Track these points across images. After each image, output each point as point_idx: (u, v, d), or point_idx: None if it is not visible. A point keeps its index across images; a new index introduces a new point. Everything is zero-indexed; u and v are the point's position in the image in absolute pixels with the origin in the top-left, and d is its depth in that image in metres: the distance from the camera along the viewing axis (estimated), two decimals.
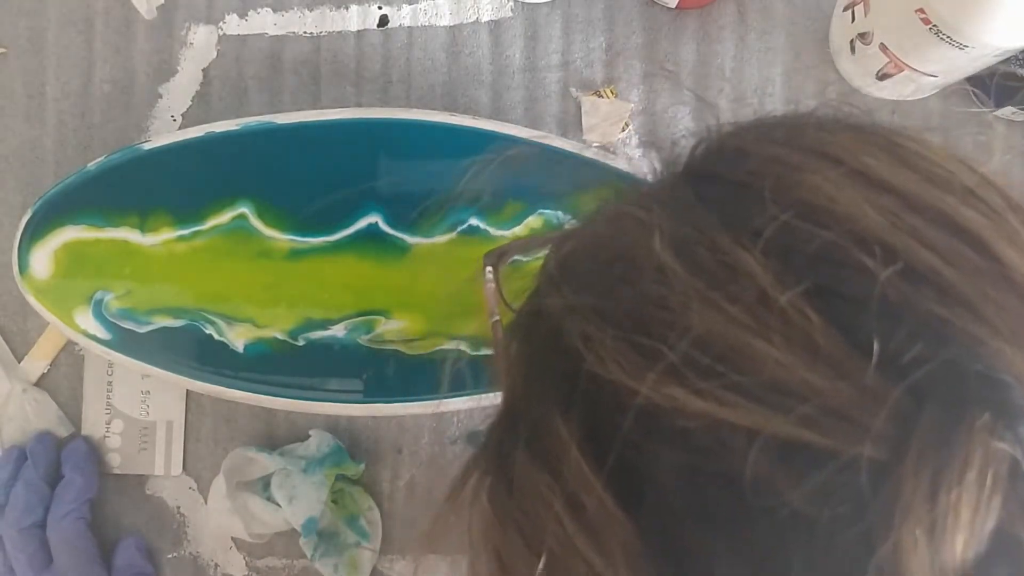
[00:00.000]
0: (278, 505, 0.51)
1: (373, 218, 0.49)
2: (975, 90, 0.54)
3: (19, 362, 0.55)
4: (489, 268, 0.36)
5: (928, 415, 0.20)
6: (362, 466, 0.53)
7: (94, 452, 0.53)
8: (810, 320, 0.22)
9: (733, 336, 0.22)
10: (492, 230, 0.49)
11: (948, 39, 0.43)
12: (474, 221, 0.49)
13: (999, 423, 0.20)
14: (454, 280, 0.49)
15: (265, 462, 0.52)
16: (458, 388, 0.49)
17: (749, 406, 0.21)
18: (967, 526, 0.19)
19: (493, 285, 0.36)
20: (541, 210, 0.49)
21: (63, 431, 0.54)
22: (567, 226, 0.31)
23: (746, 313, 0.22)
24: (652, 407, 0.23)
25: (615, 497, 0.23)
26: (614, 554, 0.23)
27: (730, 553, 0.21)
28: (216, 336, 0.49)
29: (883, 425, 0.20)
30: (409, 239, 0.49)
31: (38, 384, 0.55)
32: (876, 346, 0.21)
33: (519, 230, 0.49)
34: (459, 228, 0.49)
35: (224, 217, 0.49)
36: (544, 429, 0.25)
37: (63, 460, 0.52)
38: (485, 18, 0.55)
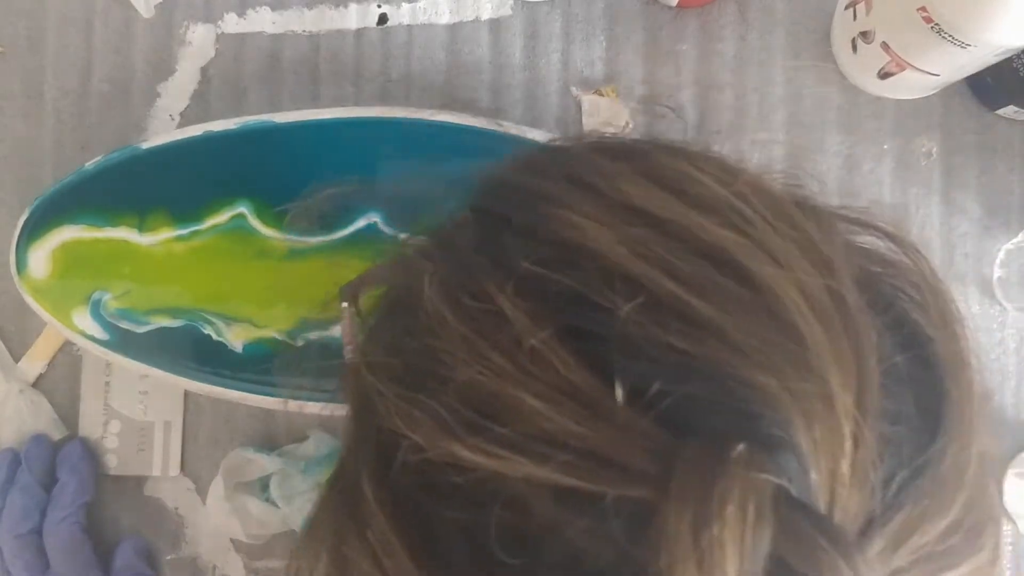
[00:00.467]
0: (277, 506, 0.51)
1: (372, 218, 0.49)
2: (975, 89, 0.54)
3: (16, 363, 0.54)
4: (345, 304, 0.35)
5: (686, 451, 0.20)
6: None
7: (90, 454, 0.53)
8: (564, 362, 0.21)
9: (493, 386, 0.22)
10: None
11: (950, 38, 0.43)
12: None
13: (757, 454, 0.20)
14: None
15: (264, 463, 0.51)
16: None
17: (514, 458, 0.21)
18: (735, 558, 0.19)
19: (347, 321, 0.34)
20: None
21: (58, 434, 0.54)
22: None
23: (505, 360, 0.22)
24: (430, 462, 0.22)
25: (411, 556, 0.23)
26: None
27: None
28: (215, 336, 0.49)
29: (641, 464, 0.20)
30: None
31: (36, 385, 0.54)
32: (618, 384, 0.21)
33: None
34: None
35: (223, 217, 0.49)
36: (354, 488, 0.25)
37: (58, 463, 0.52)
38: (485, 16, 0.55)
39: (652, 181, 0.24)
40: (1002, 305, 0.54)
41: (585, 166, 0.26)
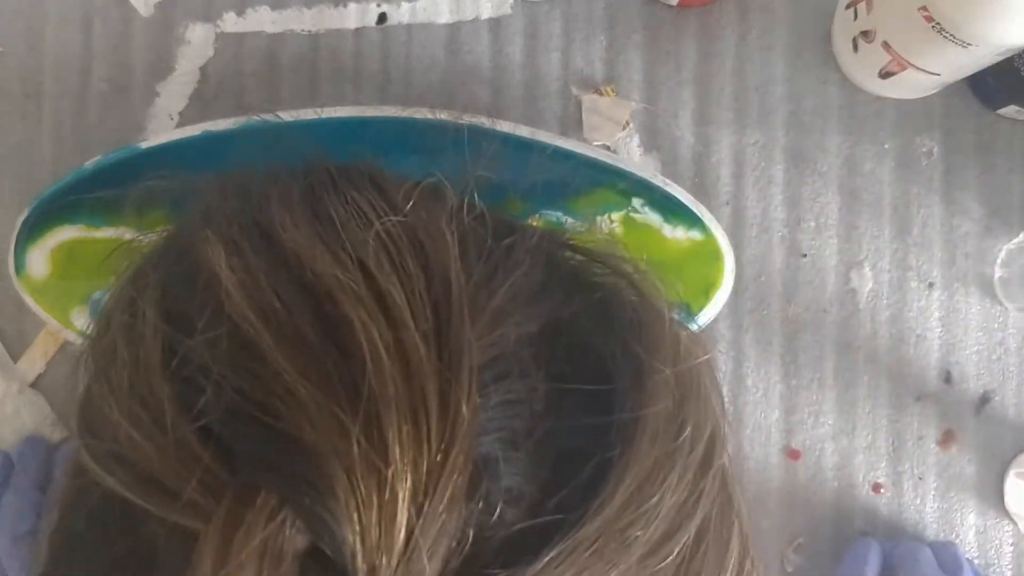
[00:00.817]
0: None
1: None
2: (977, 89, 0.54)
3: (15, 362, 0.54)
4: None
5: (232, 491, 0.20)
6: None
7: None
8: (154, 382, 0.22)
9: (101, 399, 0.23)
10: None
11: (951, 37, 0.43)
12: None
13: (290, 508, 0.19)
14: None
15: None
16: None
17: (98, 470, 0.22)
18: None
19: None
20: (544, 211, 0.48)
21: (57, 434, 0.54)
22: None
23: (118, 374, 0.23)
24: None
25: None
26: None
27: None
28: None
29: (193, 494, 0.20)
30: None
31: (34, 385, 0.54)
32: (169, 408, 0.21)
33: None
34: None
35: None
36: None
37: (56, 463, 0.52)
38: (485, 16, 0.55)
39: (302, 208, 0.23)
40: (1003, 305, 0.54)
41: (254, 186, 0.25)
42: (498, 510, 0.21)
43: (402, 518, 0.19)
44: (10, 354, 0.54)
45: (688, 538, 0.23)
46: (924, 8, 0.43)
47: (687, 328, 0.26)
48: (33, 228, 0.49)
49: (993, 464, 0.53)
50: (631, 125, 0.54)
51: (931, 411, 0.54)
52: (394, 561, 0.19)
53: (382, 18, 0.55)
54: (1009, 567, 0.53)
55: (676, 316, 0.26)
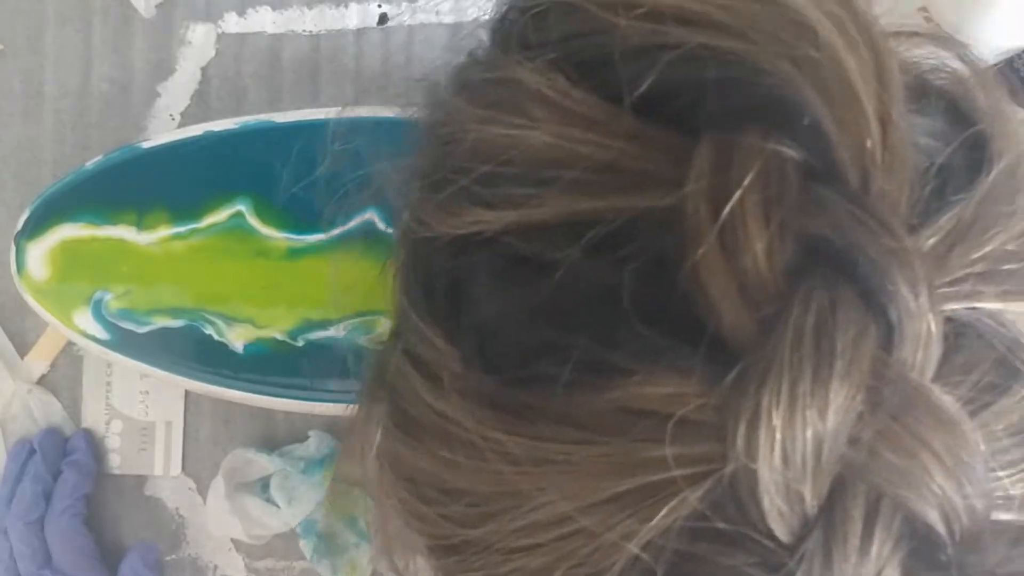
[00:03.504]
0: (277, 506, 0.51)
1: (369, 215, 0.49)
2: None
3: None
4: None
5: (701, 145, 0.19)
6: None
7: (93, 446, 0.53)
8: (566, 92, 0.21)
9: (500, 138, 0.22)
10: None
11: None
12: None
13: (775, 131, 0.19)
14: None
15: (264, 463, 0.52)
16: None
17: (525, 193, 0.21)
18: (761, 233, 0.18)
19: None
20: None
21: (68, 430, 0.54)
22: None
23: (509, 112, 0.22)
24: (462, 239, 0.23)
25: (445, 336, 0.24)
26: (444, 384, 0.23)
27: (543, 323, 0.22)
28: (216, 336, 0.49)
29: (656, 168, 0.20)
30: None
31: (38, 384, 0.54)
32: (624, 96, 0.20)
33: None
34: None
35: (221, 215, 0.49)
36: (407, 320, 0.26)
37: (64, 455, 0.52)
38: (486, 16, 0.55)
39: None
40: None
41: None
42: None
43: (874, 130, 0.19)
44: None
45: None
46: (924, 9, 0.43)
47: None
48: (34, 228, 0.49)
49: None
50: None
51: None
52: (881, 175, 0.19)
53: (383, 19, 0.55)
54: None
55: None
